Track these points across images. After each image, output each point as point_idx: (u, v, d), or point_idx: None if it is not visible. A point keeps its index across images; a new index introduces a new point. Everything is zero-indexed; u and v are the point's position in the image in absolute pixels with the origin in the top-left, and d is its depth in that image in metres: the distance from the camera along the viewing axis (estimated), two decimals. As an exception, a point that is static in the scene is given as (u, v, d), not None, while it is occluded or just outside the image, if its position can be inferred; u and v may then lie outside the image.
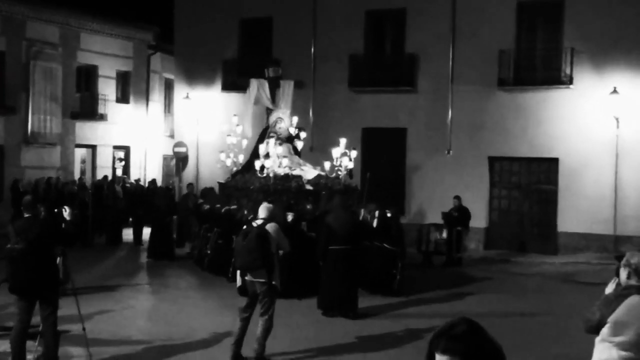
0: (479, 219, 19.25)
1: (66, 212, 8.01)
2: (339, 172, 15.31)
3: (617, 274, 4.60)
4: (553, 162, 19.21)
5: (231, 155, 16.48)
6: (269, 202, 9.38)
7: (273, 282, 8.22)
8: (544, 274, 16.04)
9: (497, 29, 19.35)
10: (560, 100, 18.85)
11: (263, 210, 8.68)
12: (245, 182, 15.15)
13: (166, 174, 28.59)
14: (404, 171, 20.55)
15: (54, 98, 24.16)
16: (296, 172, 15.14)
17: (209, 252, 14.89)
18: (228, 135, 16.72)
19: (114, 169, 26.88)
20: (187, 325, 10.38)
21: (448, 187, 19.55)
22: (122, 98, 27.42)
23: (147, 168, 28.16)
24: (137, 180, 24.47)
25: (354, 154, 15.73)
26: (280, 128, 16.10)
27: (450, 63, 19.93)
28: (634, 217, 18.10)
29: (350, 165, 15.55)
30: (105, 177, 23.07)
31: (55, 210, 10.40)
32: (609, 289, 4.60)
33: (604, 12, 18.30)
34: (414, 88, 20.43)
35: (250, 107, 16.85)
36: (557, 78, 18.85)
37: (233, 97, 22.54)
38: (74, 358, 8.37)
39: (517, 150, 19.49)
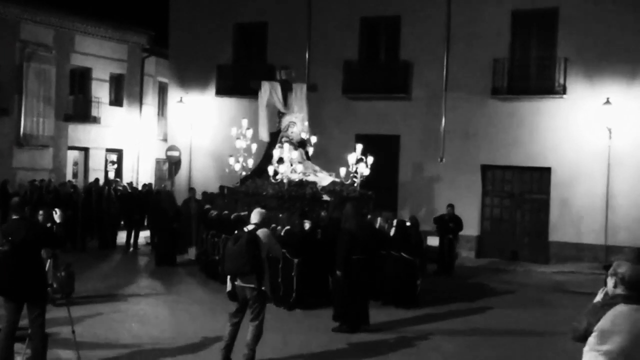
0: (471, 227, 19.28)
1: (56, 215, 7.96)
2: (355, 179, 14.91)
3: (606, 284, 4.61)
4: (545, 172, 19.27)
5: (240, 159, 16.01)
6: (262, 208, 9.32)
7: (262, 288, 8.18)
8: (540, 285, 15.98)
9: (491, 37, 19.43)
10: (554, 109, 18.92)
11: (255, 216, 8.59)
12: (256, 187, 14.62)
13: (159, 178, 28.54)
14: (397, 178, 20.57)
15: (47, 100, 24.11)
16: (311, 178, 14.73)
17: (216, 258, 14.28)
18: (237, 139, 16.15)
19: (106, 172, 26.82)
20: (176, 329, 10.35)
21: (441, 194, 19.62)
22: (116, 101, 27.39)
23: (140, 171, 28.10)
24: (130, 184, 24.37)
25: (370, 160, 15.18)
26: (292, 132, 15.58)
27: (445, 71, 19.99)
28: (625, 228, 18.17)
29: (366, 171, 15.06)
30: (97, 180, 22.98)
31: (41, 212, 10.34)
32: (598, 298, 4.61)
33: (598, 22, 18.40)
34: (407, 95, 20.47)
35: (262, 110, 16.16)
36: (550, 88, 18.93)
37: (227, 102, 22.57)
38: (62, 361, 8.33)
39: (509, 159, 19.54)
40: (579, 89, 18.65)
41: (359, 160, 15.01)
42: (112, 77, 27.11)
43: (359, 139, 20.17)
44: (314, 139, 16.05)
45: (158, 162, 28.87)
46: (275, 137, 15.86)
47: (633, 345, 4.35)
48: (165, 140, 25.70)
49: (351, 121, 20.75)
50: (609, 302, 4.47)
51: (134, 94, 27.84)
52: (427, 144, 20.22)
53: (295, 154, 14.85)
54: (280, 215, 13.20)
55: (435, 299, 13.12)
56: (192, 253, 17.38)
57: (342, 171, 15.11)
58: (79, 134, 25.64)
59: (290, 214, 13.05)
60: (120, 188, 22.06)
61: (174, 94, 23.74)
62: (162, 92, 28.57)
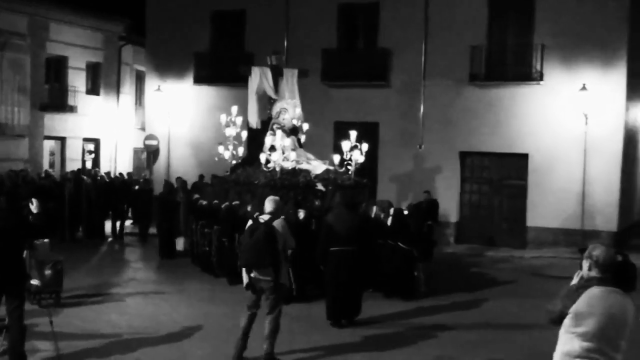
0: (450, 214, 19.42)
1: (33, 205, 7.86)
2: (349, 167, 14.54)
3: (582, 267, 4.67)
4: (523, 158, 19.41)
5: (230, 147, 15.51)
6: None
7: (280, 281, 8.04)
8: (518, 270, 16.07)
9: (469, 24, 19.49)
10: (531, 96, 19.06)
11: (270, 204, 8.26)
12: (248, 176, 14.25)
13: (137, 167, 28.33)
14: (376, 165, 20.59)
15: (22, 89, 23.77)
16: (304, 166, 14.41)
17: (207, 249, 14.06)
18: (227, 127, 15.69)
19: (83, 162, 26.55)
20: (157, 319, 10.30)
21: (419, 181, 19.72)
22: (92, 90, 27.09)
23: (118, 161, 27.88)
24: (107, 173, 24.14)
25: (365, 147, 14.85)
26: (284, 119, 15.19)
27: (423, 58, 20.02)
28: (601, 212, 18.40)
29: (361, 159, 14.73)
30: (79, 170, 22.71)
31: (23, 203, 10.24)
32: (574, 281, 4.67)
33: (574, 9, 18.52)
34: (386, 82, 20.49)
35: (252, 96, 15.73)
36: (527, 74, 19.04)
37: (205, 90, 22.45)
38: (40, 352, 8.25)
39: (487, 146, 19.66)
40: (555, 76, 18.78)
41: (353, 148, 14.64)
42: (89, 66, 26.79)
43: (338, 126, 20.28)
44: (305, 126, 15.71)
45: (136, 152, 28.65)
46: (266, 124, 15.51)
47: (607, 326, 4.42)
48: (143, 129, 25.49)
49: (330, 108, 20.72)
50: (584, 284, 4.54)
51: (111, 83, 27.55)
52: (406, 131, 20.27)
53: (288, 142, 14.53)
54: None
55: (430, 289, 12.78)
56: (179, 244, 16.93)
57: (336, 158, 14.76)
58: (55, 123, 25.33)
59: (284, 204, 12.82)
60: (99, 178, 21.86)
61: (152, 83, 23.55)
62: (140, 80, 28.30)
